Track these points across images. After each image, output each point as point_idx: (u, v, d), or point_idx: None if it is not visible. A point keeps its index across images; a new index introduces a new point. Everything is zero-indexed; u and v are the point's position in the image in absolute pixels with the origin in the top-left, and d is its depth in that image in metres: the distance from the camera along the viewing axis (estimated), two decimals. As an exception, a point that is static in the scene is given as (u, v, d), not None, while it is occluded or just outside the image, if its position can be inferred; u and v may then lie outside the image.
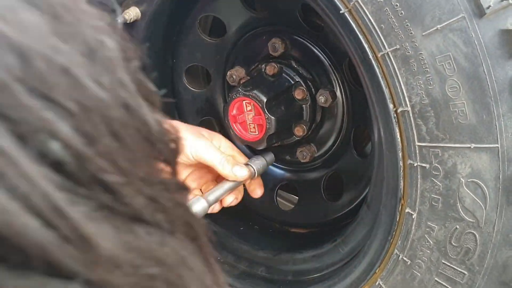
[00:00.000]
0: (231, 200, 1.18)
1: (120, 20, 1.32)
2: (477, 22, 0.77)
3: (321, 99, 1.32)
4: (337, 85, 1.33)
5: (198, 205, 1.03)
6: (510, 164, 0.81)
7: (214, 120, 1.66)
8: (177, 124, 1.13)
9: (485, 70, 0.79)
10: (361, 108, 1.33)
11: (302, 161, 1.45)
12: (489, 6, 0.76)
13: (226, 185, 1.13)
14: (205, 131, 1.20)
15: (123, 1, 1.33)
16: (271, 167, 1.61)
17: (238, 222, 1.58)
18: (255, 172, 1.21)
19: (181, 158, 1.07)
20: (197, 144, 1.10)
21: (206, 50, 1.53)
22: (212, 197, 1.09)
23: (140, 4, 1.35)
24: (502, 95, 0.79)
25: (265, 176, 1.61)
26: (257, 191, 1.19)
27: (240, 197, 1.20)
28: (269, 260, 1.43)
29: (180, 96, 1.64)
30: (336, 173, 1.47)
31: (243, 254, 1.47)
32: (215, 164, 1.10)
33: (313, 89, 1.35)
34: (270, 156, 1.34)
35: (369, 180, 1.35)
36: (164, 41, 1.51)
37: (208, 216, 1.58)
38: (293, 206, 1.59)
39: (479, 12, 0.77)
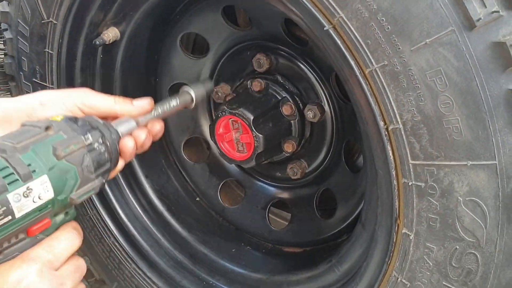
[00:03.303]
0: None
1: (98, 42, 1.27)
2: (468, 35, 0.74)
3: (309, 114, 1.29)
4: (325, 100, 1.30)
5: (127, 124, 0.94)
6: (509, 181, 0.78)
7: (202, 139, 1.62)
8: (47, 93, 0.97)
9: (478, 85, 0.75)
10: (351, 122, 1.29)
11: (293, 177, 1.41)
12: (479, 18, 0.72)
13: (157, 110, 1.03)
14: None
15: (101, 21, 1.28)
16: (262, 184, 1.57)
17: (230, 243, 1.53)
18: (193, 98, 1.13)
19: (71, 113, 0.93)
20: (84, 94, 0.97)
21: (189, 68, 1.49)
22: (142, 118, 0.99)
23: (118, 24, 1.31)
24: (498, 110, 0.75)
25: (256, 194, 1.58)
26: (156, 127, 1.04)
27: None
28: (262, 282, 1.38)
29: (165, 115, 1.59)
30: (328, 189, 1.43)
31: (236, 277, 1.43)
32: (112, 103, 0.97)
33: (300, 105, 1.32)
34: (209, 84, 1.24)
35: (362, 196, 1.32)
36: (146, 61, 1.47)
37: (198, 237, 1.54)
38: (286, 224, 1.55)
39: (469, 24, 0.73)
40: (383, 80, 0.82)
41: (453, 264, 0.87)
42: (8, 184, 0.71)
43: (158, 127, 1.04)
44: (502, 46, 0.72)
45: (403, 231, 0.91)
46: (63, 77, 1.33)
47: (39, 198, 0.75)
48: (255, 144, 1.25)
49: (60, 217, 0.82)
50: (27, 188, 0.73)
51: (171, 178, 1.63)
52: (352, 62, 0.84)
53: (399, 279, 0.95)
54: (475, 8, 0.73)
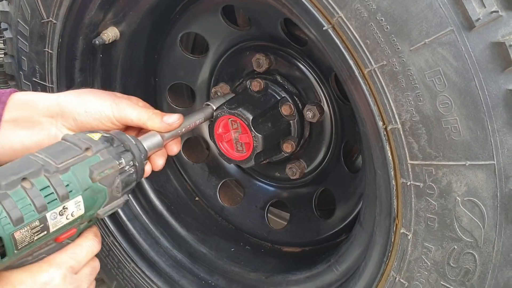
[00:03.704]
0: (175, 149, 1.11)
1: (98, 41, 1.27)
2: (467, 35, 0.74)
3: (308, 114, 1.29)
4: (324, 100, 1.30)
5: (153, 140, 1.00)
6: (507, 181, 0.78)
7: (201, 139, 1.62)
8: (89, 91, 1.07)
9: (477, 85, 0.75)
10: (350, 122, 1.30)
11: (292, 177, 1.41)
12: (479, 18, 0.72)
13: (181, 125, 1.08)
14: (119, 94, 1.12)
15: (101, 21, 1.28)
16: (261, 184, 1.57)
17: (229, 243, 1.53)
18: (214, 109, 1.21)
19: (104, 124, 1.02)
20: (120, 106, 1.03)
21: (189, 67, 1.50)
22: (168, 133, 1.05)
23: (118, 24, 1.31)
24: (496, 110, 0.75)
25: (255, 194, 1.58)
26: (173, 148, 1.10)
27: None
28: (261, 282, 1.38)
29: (164, 115, 1.59)
30: (327, 189, 1.43)
31: (234, 276, 1.43)
32: (145, 119, 1.02)
33: (300, 105, 1.32)
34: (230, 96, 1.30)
35: (361, 196, 1.32)
36: (146, 60, 1.47)
37: (197, 237, 1.54)
38: (285, 224, 1.55)
39: (468, 24, 0.73)
40: (382, 80, 0.82)
41: (451, 264, 0.87)
42: (47, 203, 0.78)
43: (175, 149, 1.11)
44: (501, 46, 0.72)
45: (402, 231, 0.91)
46: (63, 77, 1.33)
47: (71, 215, 0.83)
48: (254, 144, 1.25)
49: (85, 224, 0.91)
50: (63, 208, 0.81)
51: (170, 178, 1.63)
52: (351, 62, 0.84)
53: (397, 279, 0.95)
54: (474, 8, 0.73)
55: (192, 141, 1.63)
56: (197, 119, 1.16)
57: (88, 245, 0.92)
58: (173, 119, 1.05)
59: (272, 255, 1.49)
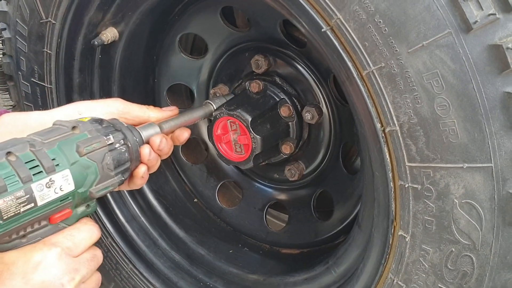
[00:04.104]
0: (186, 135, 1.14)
1: (97, 42, 1.28)
2: (464, 38, 0.74)
3: (307, 115, 1.29)
4: (323, 101, 1.30)
5: (151, 129, 1.01)
6: (505, 183, 0.78)
7: (200, 140, 1.62)
8: (85, 103, 1.05)
9: (474, 87, 0.75)
10: (348, 124, 1.30)
11: (290, 179, 1.41)
12: (476, 21, 0.72)
13: (180, 119, 1.12)
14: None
15: (100, 22, 1.28)
16: (259, 186, 1.57)
17: (227, 244, 1.53)
18: (214, 108, 1.23)
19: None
20: (120, 104, 1.04)
21: (188, 68, 1.50)
22: (166, 125, 1.07)
23: (117, 24, 1.31)
24: (494, 112, 0.75)
25: (254, 195, 1.58)
26: (184, 135, 1.13)
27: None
28: (259, 284, 1.38)
29: (163, 116, 1.59)
30: (325, 191, 1.43)
31: (233, 278, 1.42)
32: (146, 111, 1.06)
33: (298, 106, 1.32)
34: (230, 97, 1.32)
35: (359, 198, 1.32)
36: (144, 61, 1.47)
37: (196, 238, 1.54)
38: (283, 225, 1.55)
39: (466, 27, 0.73)
40: (380, 82, 0.82)
41: (449, 267, 0.87)
42: (33, 175, 0.79)
43: (186, 135, 1.13)
44: (498, 49, 0.72)
45: (399, 233, 0.91)
46: (62, 77, 1.33)
47: (60, 189, 0.83)
48: (253, 146, 1.25)
49: (81, 209, 0.90)
50: (50, 180, 0.81)
51: (169, 179, 1.63)
52: (350, 64, 0.84)
53: (395, 281, 0.95)
54: (471, 11, 0.73)
55: (191, 142, 1.63)
56: (196, 114, 1.18)
57: (86, 229, 0.89)
58: (170, 107, 1.13)
59: (271, 256, 1.49)
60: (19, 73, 1.39)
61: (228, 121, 1.27)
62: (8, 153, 0.79)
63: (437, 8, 0.74)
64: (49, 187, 0.81)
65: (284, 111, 1.30)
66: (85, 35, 1.27)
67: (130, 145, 0.94)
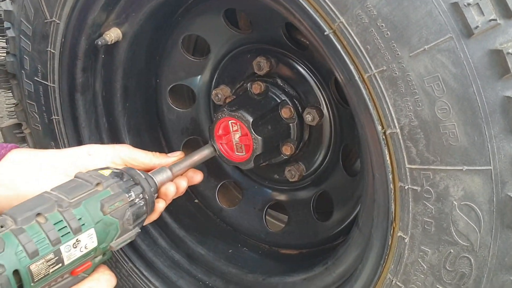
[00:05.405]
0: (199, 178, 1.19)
1: (100, 42, 1.28)
2: (466, 42, 0.75)
3: (308, 117, 1.30)
4: (324, 103, 1.31)
5: (163, 174, 1.06)
6: (503, 186, 0.79)
7: (200, 140, 1.63)
8: (96, 147, 1.10)
9: (475, 91, 0.76)
10: (349, 126, 1.31)
11: (290, 180, 1.42)
12: (477, 26, 0.74)
13: (187, 161, 1.16)
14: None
15: (104, 22, 1.29)
16: (259, 186, 1.58)
17: (226, 244, 1.54)
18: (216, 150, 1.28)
19: (113, 164, 1.06)
20: (127, 150, 1.10)
21: (190, 69, 1.51)
22: (176, 168, 1.12)
23: (121, 25, 1.32)
24: (494, 116, 0.76)
25: (254, 195, 1.59)
26: (197, 176, 1.19)
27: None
28: (258, 284, 1.39)
29: (164, 116, 1.60)
30: (325, 192, 1.44)
31: (232, 278, 1.43)
32: (151, 158, 1.11)
33: (299, 108, 1.33)
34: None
35: (359, 199, 1.33)
36: (147, 61, 1.48)
37: (196, 238, 1.55)
38: (283, 226, 1.56)
39: (467, 32, 0.75)
40: (381, 85, 0.83)
41: (447, 268, 0.88)
42: (61, 236, 0.82)
43: (199, 177, 1.19)
44: (499, 54, 0.74)
45: (399, 234, 0.92)
46: (65, 76, 1.34)
47: (85, 247, 0.87)
48: (254, 146, 1.26)
49: (99, 258, 0.93)
50: (77, 240, 0.85)
51: (169, 179, 1.64)
52: (351, 67, 0.85)
53: (393, 282, 0.96)
54: (473, 16, 0.74)
55: (192, 143, 1.64)
56: (203, 154, 1.24)
57: (105, 279, 0.93)
58: (176, 153, 1.17)
59: (270, 257, 1.50)
60: (23, 71, 1.40)
61: (230, 121, 1.28)
62: (38, 214, 0.82)
63: (439, 13, 0.76)
64: (75, 247, 0.84)
65: (285, 113, 1.31)
66: (89, 35, 1.28)
67: (147, 198, 0.98)
